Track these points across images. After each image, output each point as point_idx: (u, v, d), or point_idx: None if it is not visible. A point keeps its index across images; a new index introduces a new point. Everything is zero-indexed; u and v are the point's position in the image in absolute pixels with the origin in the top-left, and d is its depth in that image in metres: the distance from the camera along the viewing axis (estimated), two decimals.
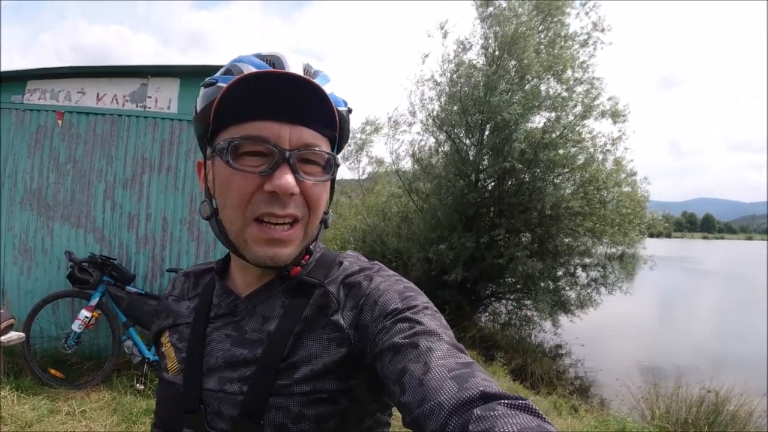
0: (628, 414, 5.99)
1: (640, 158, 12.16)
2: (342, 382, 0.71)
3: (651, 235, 10.88)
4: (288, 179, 0.68)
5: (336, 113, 0.73)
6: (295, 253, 0.75)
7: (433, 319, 0.68)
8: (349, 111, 0.80)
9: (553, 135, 8.92)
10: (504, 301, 10.92)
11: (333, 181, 0.79)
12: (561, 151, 8.96)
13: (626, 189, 9.62)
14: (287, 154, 0.69)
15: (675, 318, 17.51)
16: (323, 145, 0.73)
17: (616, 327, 13.27)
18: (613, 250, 10.06)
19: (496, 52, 9.85)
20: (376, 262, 0.84)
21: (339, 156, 0.79)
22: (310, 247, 0.81)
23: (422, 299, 0.72)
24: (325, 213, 0.80)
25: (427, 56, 10.66)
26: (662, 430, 5.45)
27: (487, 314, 11.11)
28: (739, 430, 5.56)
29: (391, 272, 0.80)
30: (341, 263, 0.82)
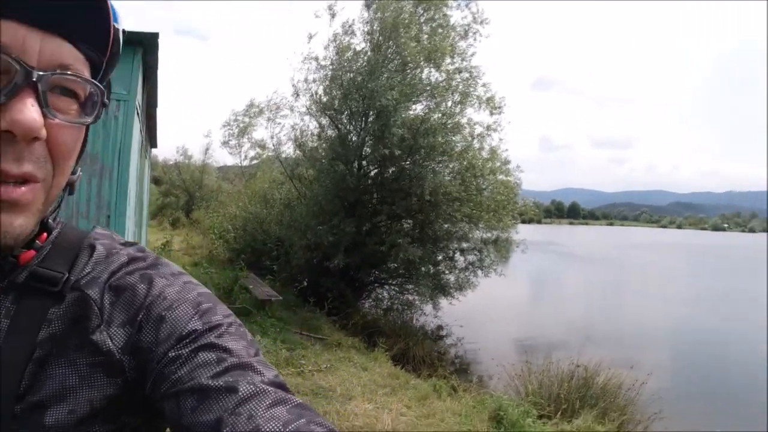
0: (503, 392, 6.27)
1: (514, 151, 12.87)
2: (112, 422, 0.51)
3: (523, 221, 11.61)
4: (32, 114, 0.44)
5: (112, 29, 0.50)
6: (30, 226, 0.50)
7: (240, 340, 0.52)
8: (123, 32, 0.55)
9: (432, 121, 9.11)
10: (386, 287, 11.10)
11: (88, 129, 0.54)
12: (440, 138, 9.18)
13: (501, 177, 10.14)
14: (35, 75, 0.45)
15: (546, 298, 18.96)
16: (86, 72, 0.50)
17: (493, 307, 14.05)
18: (489, 234, 10.64)
19: (380, 38, 9.83)
20: (143, 247, 0.61)
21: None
22: (49, 221, 0.56)
23: (222, 311, 0.55)
24: (73, 173, 0.55)
25: (313, 36, 10.39)
26: (536, 405, 5.76)
27: (370, 300, 11.23)
28: (609, 402, 6.04)
29: (174, 267, 0.59)
30: (92, 247, 0.58)
